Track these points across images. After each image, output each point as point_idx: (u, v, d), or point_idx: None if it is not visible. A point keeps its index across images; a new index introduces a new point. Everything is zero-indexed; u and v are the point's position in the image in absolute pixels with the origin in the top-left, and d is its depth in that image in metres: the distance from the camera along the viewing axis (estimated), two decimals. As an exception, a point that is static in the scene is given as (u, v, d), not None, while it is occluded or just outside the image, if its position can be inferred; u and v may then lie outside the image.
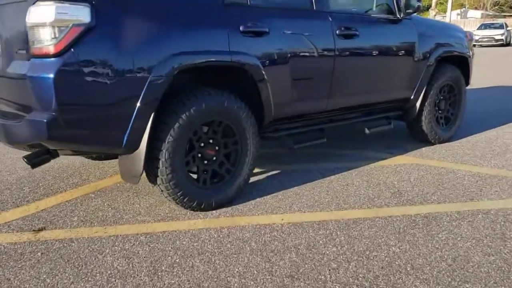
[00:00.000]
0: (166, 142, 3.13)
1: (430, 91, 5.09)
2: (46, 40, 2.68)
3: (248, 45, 3.46)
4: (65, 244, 2.94)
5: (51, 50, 2.67)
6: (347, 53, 4.18)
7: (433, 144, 5.39)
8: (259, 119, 3.77)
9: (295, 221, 3.32)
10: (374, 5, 4.71)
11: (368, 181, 4.19)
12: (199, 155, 3.42)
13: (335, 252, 2.86)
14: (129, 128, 2.96)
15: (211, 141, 3.47)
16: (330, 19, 4.05)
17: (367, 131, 4.60)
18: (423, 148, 5.26)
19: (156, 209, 3.50)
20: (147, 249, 2.90)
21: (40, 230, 3.15)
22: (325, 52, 4.01)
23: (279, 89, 3.74)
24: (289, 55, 3.73)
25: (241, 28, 3.41)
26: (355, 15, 4.43)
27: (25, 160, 3.03)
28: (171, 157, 3.15)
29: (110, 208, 3.51)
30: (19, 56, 2.88)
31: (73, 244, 2.95)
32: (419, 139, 5.39)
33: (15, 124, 2.85)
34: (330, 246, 2.94)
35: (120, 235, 3.08)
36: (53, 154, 3.14)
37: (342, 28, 4.10)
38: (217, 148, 3.51)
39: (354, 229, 3.19)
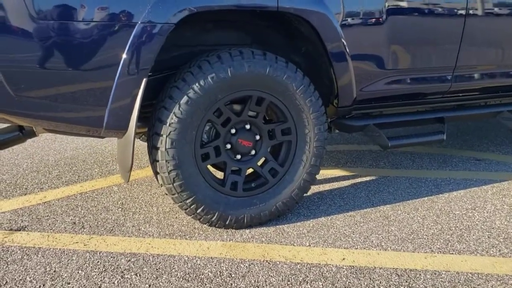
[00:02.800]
0: (168, 124, 2.10)
1: None
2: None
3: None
4: (24, 257, 2.12)
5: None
6: (487, 5, 2.65)
7: None
8: (332, 99, 2.53)
9: (363, 265, 2.03)
10: None
11: (511, 206, 2.63)
12: (228, 146, 2.33)
13: None
14: (109, 102, 2.01)
15: (247, 127, 2.35)
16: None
17: (519, 128, 2.97)
18: None
19: (173, 217, 2.52)
20: (115, 282, 1.93)
21: (17, 230, 2.40)
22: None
23: (365, 55, 2.45)
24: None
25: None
26: None
27: (-10, 138, 2.30)
28: (176, 146, 2.12)
29: (119, 209, 2.63)
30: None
31: (33, 257, 2.12)
32: None
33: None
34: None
35: (99, 252, 2.16)
36: (28, 132, 2.35)
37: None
38: (257, 137, 2.38)
39: (463, 296, 1.80)
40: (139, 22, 1.94)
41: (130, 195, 2.84)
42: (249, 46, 2.51)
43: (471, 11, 2.61)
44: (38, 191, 2.93)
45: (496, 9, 2.71)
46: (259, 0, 2.12)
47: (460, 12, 2.59)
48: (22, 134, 2.31)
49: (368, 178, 3.10)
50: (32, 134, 2.34)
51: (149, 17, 1.94)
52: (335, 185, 2.99)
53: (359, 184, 3.00)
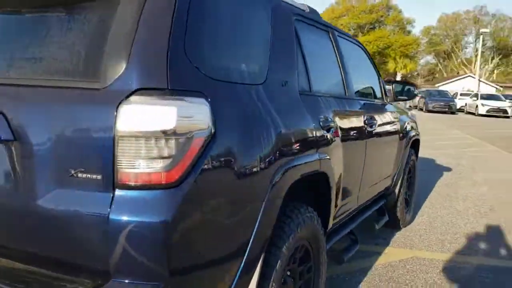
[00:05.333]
0: (272, 280, 2.17)
1: (403, 174, 4.91)
2: (153, 160, 1.57)
3: (327, 144, 2.75)
4: None
5: (163, 177, 1.57)
6: (372, 141, 3.75)
7: (400, 228, 5.15)
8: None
9: None
10: (373, 90, 4.44)
11: (401, 289, 3.70)
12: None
13: None
14: (239, 269, 1.95)
15: (288, 273, 2.57)
16: (360, 107, 3.61)
17: (377, 226, 4.16)
18: (397, 235, 4.96)
19: None
20: None
21: None
22: (360, 143, 3.52)
23: (340, 191, 3.07)
24: (345, 152, 3.10)
25: (321, 123, 2.69)
26: (369, 102, 4.08)
27: None
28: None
29: None
30: (74, 182, 1.64)
31: None
32: (392, 227, 5.01)
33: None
34: None
35: None
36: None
37: (368, 116, 3.68)
38: (293, 280, 2.62)
39: None
40: (268, 194, 2.04)
41: None
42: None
43: (367, 142, 3.54)
44: None
45: (376, 140, 3.78)
46: (314, 164, 2.52)
47: (362, 145, 3.52)
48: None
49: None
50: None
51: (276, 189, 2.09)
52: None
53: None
